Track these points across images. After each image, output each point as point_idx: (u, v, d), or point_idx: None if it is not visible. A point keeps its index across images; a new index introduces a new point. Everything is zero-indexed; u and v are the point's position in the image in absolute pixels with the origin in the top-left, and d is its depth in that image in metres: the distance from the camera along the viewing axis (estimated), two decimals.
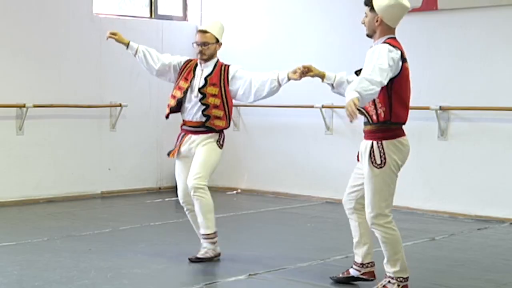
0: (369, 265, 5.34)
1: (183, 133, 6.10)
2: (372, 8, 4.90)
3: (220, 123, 5.94)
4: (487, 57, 8.21)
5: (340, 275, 5.47)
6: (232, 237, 7.18)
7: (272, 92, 5.76)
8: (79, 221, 8.02)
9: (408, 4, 4.92)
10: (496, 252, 6.62)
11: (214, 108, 5.89)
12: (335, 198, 9.27)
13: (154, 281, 5.50)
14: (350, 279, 5.41)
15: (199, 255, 6.00)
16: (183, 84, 6.01)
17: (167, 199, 9.73)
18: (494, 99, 8.13)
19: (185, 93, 5.98)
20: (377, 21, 4.90)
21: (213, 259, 6.01)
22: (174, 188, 10.42)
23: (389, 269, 5.03)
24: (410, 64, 8.99)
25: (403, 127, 5.00)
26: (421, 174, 8.68)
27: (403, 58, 4.85)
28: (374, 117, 4.91)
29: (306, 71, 5.46)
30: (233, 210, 8.73)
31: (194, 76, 5.99)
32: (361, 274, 5.36)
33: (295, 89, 9.35)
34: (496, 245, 6.94)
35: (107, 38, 6.15)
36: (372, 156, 4.91)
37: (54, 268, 5.78)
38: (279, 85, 5.69)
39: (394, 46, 4.82)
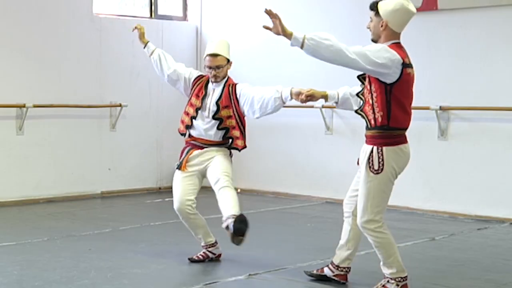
0: (344, 269, 5.39)
1: (190, 147, 6.02)
2: (377, 13, 4.88)
3: (239, 143, 5.94)
4: (487, 57, 8.21)
5: (314, 272, 5.53)
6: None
7: (277, 109, 5.75)
8: (79, 221, 8.02)
9: (414, 9, 4.89)
10: (496, 252, 6.62)
11: (233, 130, 5.91)
12: (335, 198, 9.27)
13: (154, 281, 5.50)
14: (322, 277, 5.45)
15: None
16: (194, 101, 6.00)
17: (167, 199, 9.72)
18: (494, 99, 8.13)
19: (197, 110, 5.96)
20: (382, 25, 4.88)
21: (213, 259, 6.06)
22: None
23: (386, 271, 5.05)
24: None
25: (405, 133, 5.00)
26: (421, 174, 8.68)
27: (403, 64, 4.82)
28: (372, 122, 4.92)
29: (310, 99, 5.44)
30: None
31: (205, 94, 5.96)
32: (334, 276, 5.40)
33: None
34: (496, 245, 6.95)
35: (133, 30, 6.26)
36: (370, 161, 4.91)
37: (54, 268, 5.78)
38: (283, 103, 5.69)
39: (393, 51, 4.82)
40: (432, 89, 8.58)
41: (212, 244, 6.08)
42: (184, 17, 10.85)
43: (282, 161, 10.03)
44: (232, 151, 6.06)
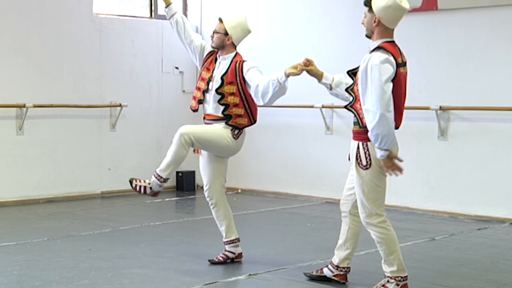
0: (344, 270, 5.39)
1: None
2: (370, 9, 4.92)
3: (242, 121, 5.84)
4: (487, 57, 8.21)
5: (314, 273, 5.52)
6: None
7: (277, 93, 5.60)
8: (79, 221, 8.02)
9: (406, 6, 4.92)
10: (496, 252, 6.62)
11: (234, 107, 5.80)
12: (335, 198, 9.26)
13: (154, 281, 5.50)
14: (322, 278, 5.45)
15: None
16: (205, 75, 5.95)
17: (167, 199, 9.72)
18: (494, 99, 8.13)
19: (208, 83, 5.91)
20: (375, 21, 4.91)
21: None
22: (174, 188, 10.49)
23: (386, 269, 5.04)
24: (410, 64, 8.97)
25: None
26: (421, 174, 8.68)
27: (397, 64, 4.84)
28: (365, 121, 4.91)
29: (308, 64, 5.40)
30: (233, 210, 8.64)
31: (215, 67, 5.94)
32: (334, 276, 5.40)
33: (295, 89, 9.37)
34: (496, 245, 6.94)
35: None
36: (358, 157, 4.96)
37: (54, 268, 5.78)
38: (280, 83, 5.59)
39: (387, 51, 4.81)
40: (432, 89, 8.58)
41: (231, 240, 6.02)
42: None
43: (282, 161, 10.03)
44: (239, 139, 5.91)
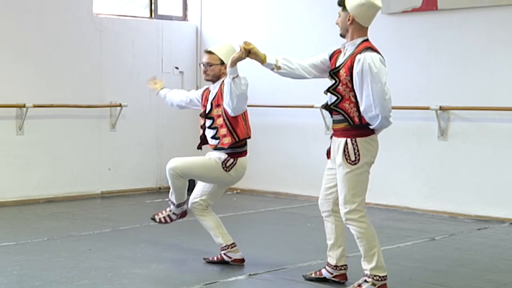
0: (342, 268, 5.39)
1: None
2: (344, 8, 4.99)
3: (226, 140, 5.82)
4: (487, 57, 8.21)
5: (313, 275, 5.52)
6: (232, 237, 7.17)
7: (233, 91, 5.52)
8: (79, 221, 8.02)
9: (379, 4, 5.00)
10: (496, 252, 6.62)
11: (221, 128, 5.84)
12: None
13: (154, 281, 5.50)
14: (322, 280, 5.45)
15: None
16: (201, 112, 6.04)
17: (167, 199, 9.67)
18: (494, 99, 8.13)
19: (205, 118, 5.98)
20: (349, 20, 4.98)
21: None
22: None
23: (366, 266, 5.06)
24: (410, 64, 9.06)
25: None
26: (421, 174, 8.68)
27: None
28: (356, 120, 4.98)
29: (249, 44, 5.26)
30: (233, 210, 8.73)
31: (208, 98, 6.01)
32: (333, 277, 5.41)
33: (295, 89, 9.38)
34: (496, 245, 6.94)
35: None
36: (346, 153, 5.00)
37: (54, 268, 5.78)
38: (230, 78, 5.50)
39: (377, 52, 4.91)
40: (432, 89, 8.58)
41: (225, 246, 5.98)
42: (184, 17, 10.85)
43: (282, 161, 10.03)
44: (230, 170, 5.90)
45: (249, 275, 5.67)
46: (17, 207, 8.80)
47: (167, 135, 10.52)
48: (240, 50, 5.29)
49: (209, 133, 5.92)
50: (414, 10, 8.51)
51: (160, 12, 10.53)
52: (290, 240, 7.11)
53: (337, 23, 5.07)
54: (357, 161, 4.98)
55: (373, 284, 5.00)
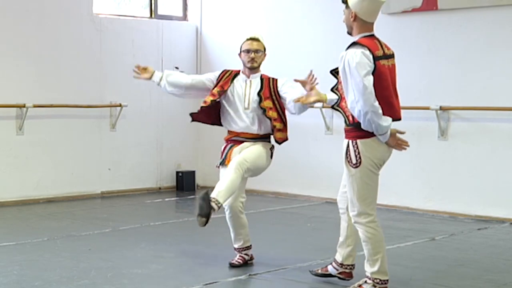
0: (348, 267, 5.39)
1: (231, 144, 5.94)
2: (347, 5, 4.98)
3: (281, 135, 5.91)
4: (487, 57, 8.21)
5: (319, 271, 5.53)
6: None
7: (300, 110, 5.75)
8: (79, 221, 8.02)
9: None
10: (496, 252, 6.62)
11: (274, 121, 5.85)
12: (335, 198, 9.15)
13: (154, 281, 5.50)
14: (327, 276, 5.45)
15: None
16: (216, 91, 5.91)
17: (167, 199, 9.73)
18: (494, 99, 8.13)
19: (219, 93, 5.88)
20: (352, 17, 4.96)
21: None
22: (175, 188, 10.49)
23: (367, 269, 5.03)
24: (410, 64, 9.01)
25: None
26: (421, 174, 8.68)
27: (375, 58, 4.84)
28: (351, 118, 4.94)
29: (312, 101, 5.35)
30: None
31: (233, 86, 5.91)
32: (338, 273, 5.40)
33: None
34: (496, 245, 6.94)
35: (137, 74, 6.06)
36: (348, 155, 4.96)
37: (54, 268, 5.78)
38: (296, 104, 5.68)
39: (362, 45, 4.82)
40: (432, 89, 8.58)
41: (248, 247, 5.98)
42: (184, 17, 10.85)
43: (282, 161, 10.00)
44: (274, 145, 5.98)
45: (249, 275, 5.68)
46: (17, 207, 8.80)
47: (167, 135, 10.52)
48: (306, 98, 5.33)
49: (257, 124, 5.85)
50: (414, 10, 8.51)
51: (160, 12, 10.53)
52: (290, 240, 7.11)
53: (343, 21, 5.05)
54: (358, 164, 4.90)
55: (374, 286, 4.98)
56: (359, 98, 4.72)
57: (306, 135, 9.73)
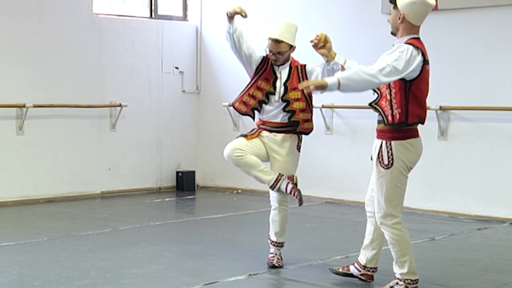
0: (371, 269, 5.36)
1: (259, 129, 5.95)
2: (395, 6, 4.90)
3: (308, 126, 5.89)
4: (487, 57, 8.21)
5: (340, 270, 5.51)
6: (232, 237, 7.18)
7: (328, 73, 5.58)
8: (79, 221, 8.02)
9: (432, 2, 4.88)
10: (496, 252, 6.62)
11: (301, 113, 5.81)
12: (335, 198, 9.28)
13: (154, 281, 5.50)
14: (348, 275, 5.44)
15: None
16: (264, 86, 5.86)
17: (167, 199, 9.72)
18: (494, 99, 8.13)
19: (267, 95, 5.85)
20: (399, 18, 4.89)
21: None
22: (174, 188, 10.49)
23: (397, 271, 5.01)
24: None
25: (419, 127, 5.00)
26: (421, 174, 8.66)
27: (425, 61, 4.85)
28: (390, 118, 4.90)
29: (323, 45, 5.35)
30: (233, 210, 8.73)
31: (276, 78, 5.87)
32: (361, 275, 5.38)
33: None
34: (496, 245, 6.95)
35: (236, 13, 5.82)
36: (380, 156, 4.92)
37: (54, 268, 5.78)
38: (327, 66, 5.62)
39: (417, 48, 4.82)
40: (432, 89, 8.48)
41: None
42: (184, 17, 10.85)
43: None
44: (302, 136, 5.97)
45: (249, 275, 5.67)
46: (17, 207, 8.80)
47: (167, 135, 10.52)
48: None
49: (281, 114, 5.82)
50: None
51: (160, 12, 10.53)
52: (291, 240, 7.09)
53: (388, 21, 4.99)
54: (390, 165, 4.88)
55: (406, 287, 4.97)
56: (387, 71, 4.64)
57: (306, 135, 9.71)
